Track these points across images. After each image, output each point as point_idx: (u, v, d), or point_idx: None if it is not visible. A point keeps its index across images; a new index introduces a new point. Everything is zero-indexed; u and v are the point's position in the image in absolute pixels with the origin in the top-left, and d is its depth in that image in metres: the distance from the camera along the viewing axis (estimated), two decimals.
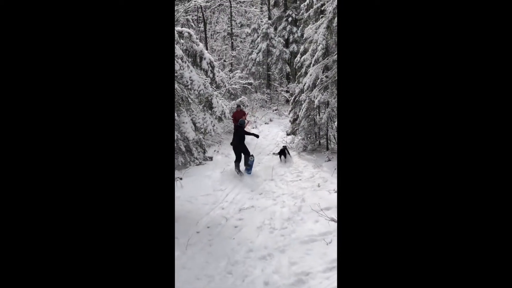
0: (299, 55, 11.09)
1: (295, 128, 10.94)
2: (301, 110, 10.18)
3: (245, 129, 9.98)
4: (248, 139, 9.47)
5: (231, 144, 9.18)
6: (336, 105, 9.36)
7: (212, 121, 8.05)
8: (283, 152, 9.81)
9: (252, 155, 9.09)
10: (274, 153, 10.50)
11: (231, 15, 20.12)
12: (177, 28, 6.76)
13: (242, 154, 8.87)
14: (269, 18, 20.72)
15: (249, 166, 8.83)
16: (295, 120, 11.03)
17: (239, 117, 11.18)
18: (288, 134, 11.59)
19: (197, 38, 6.98)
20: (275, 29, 19.77)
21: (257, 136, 9.39)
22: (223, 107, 7.82)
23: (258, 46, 18.74)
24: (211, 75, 7.15)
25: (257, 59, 18.60)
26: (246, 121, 11.67)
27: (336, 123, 9.08)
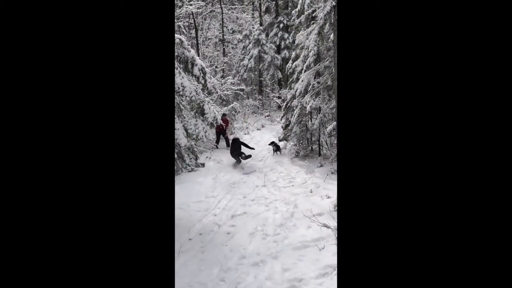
0: (290, 61, 11.12)
1: (287, 134, 10.96)
2: (293, 116, 10.21)
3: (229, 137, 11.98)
4: (245, 141, 10.62)
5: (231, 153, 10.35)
6: (327, 110, 9.42)
7: (204, 128, 8.03)
8: (278, 149, 11.03)
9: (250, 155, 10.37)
10: (269, 144, 11.46)
11: (223, 22, 20.15)
12: None
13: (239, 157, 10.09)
14: (261, 25, 20.79)
15: (241, 157, 10.06)
16: (287, 126, 11.05)
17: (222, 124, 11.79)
18: (280, 140, 11.61)
19: (188, 45, 6.96)
20: (267, 35, 19.83)
21: (252, 148, 10.85)
22: (215, 113, 7.80)
23: (249, 52, 18.78)
24: (202, 81, 7.13)
25: (249, 65, 18.63)
26: (227, 129, 12.56)
27: (327, 128, 9.11)
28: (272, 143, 11.27)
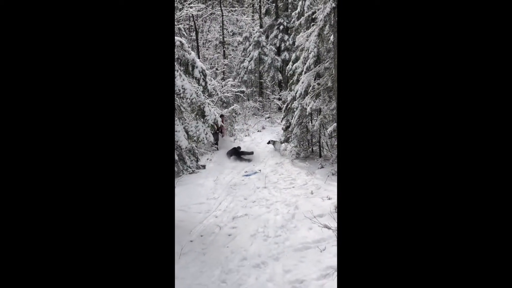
0: (290, 63, 11.14)
1: (288, 136, 10.97)
2: (293, 118, 10.21)
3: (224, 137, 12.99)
4: (246, 142, 11.51)
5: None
6: (328, 112, 9.43)
7: (204, 129, 8.03)
8: (275, 144, 11.81)
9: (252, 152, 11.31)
10: (268, 143, 12.33)
11: (223, 24, 20.18)
12: None
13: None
14: (261, 27, 20.83)
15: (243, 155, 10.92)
16: (287, 127, 11.06)
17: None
18: (281, 143, 11.63)
19: (189, 47, 6.97)
20: (267, 37, 19.87)
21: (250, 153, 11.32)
22: (215, 115, 7.81)
23: (250, 54, 18.82)
24: (203, 84, 7.14)
25: (249, 67, 18.66)
26: (223, 129, 12.83)
27: (328, 130, 9.12)
28: (270, 142, 12.07)
